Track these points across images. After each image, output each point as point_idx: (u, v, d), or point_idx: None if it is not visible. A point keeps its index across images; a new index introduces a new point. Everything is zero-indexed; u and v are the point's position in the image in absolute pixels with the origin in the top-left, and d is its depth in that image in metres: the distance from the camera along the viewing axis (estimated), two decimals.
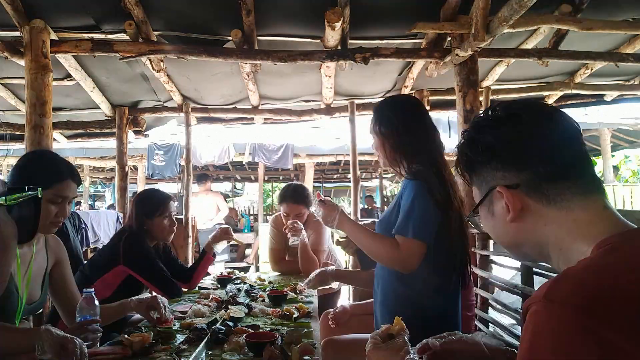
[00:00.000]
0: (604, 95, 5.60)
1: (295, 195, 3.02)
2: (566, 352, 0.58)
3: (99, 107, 5.13)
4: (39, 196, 0.73)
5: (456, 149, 0.93)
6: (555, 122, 0.84)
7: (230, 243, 2.78)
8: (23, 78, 3.44)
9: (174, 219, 2.55)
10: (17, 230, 0.58)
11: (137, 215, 2.45)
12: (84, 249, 4.26)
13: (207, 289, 2.73)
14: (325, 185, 16.38)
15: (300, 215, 2.99)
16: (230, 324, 1.82)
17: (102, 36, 3.58)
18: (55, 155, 1.73)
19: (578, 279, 0.65)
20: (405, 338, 1.06)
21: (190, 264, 4.91)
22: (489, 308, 3.15)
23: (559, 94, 5.46)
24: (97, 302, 1.59)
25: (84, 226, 4.20)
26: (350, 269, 3.67)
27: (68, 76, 4.35)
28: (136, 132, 5.74)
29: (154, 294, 2.18)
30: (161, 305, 1.87)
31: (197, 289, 2.72)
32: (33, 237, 1.58)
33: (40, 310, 1.83)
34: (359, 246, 1.79)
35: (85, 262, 2.96)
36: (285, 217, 3.03)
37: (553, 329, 0.59)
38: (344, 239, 2.25)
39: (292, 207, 2.98)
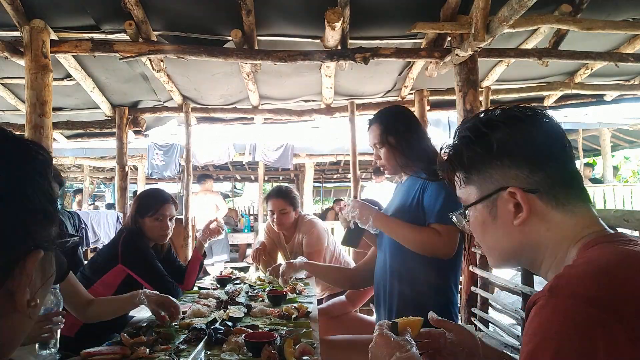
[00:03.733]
0: (604, 95, 5.60)
1: (278, 192, 3.06)
2: (574, 343, 0.59)
3: (99, 107, 5.14)
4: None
5: (454, 145, 0.89)
6: (561, 129, 0.85)
7: (219, 236, 2.78)
8: (23, 78, 3.45)
9: (169, 221, 2.46)
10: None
11: (133, 214, 2.45)
12: (84, 249, 4.27)
13: (207, 289, 2.72)
14: (325, 185, 16.38)
15: (286, 213, 3.00)
16: (230, 324, 1.82)
17: (102, 36, 3.58)
18: None
19: (582, 273, 0.66)
20: (409, 336, 1.04)
21: None
22: (489, 308, 3.15)
23: (559, 94, 5.46)
24: (60, 296, 1.59)
25: (84, 226, 4.21)
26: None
27: (68, 76, 4.35)
28: (136, 132, 5.74)
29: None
30: (172, 306, 1.87)
31: (196, 288, 2.72)
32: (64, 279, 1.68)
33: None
34: (397, 239, 1.83)
35: (86, 262, 2.96)
36: (271, 215, 3.06)
37: (560, 322, 0.61)
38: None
39: (275, 202, 3.00)
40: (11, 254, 0.52)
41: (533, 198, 0.79)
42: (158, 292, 1.95)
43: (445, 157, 0.91)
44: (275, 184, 15.51)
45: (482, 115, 0.87)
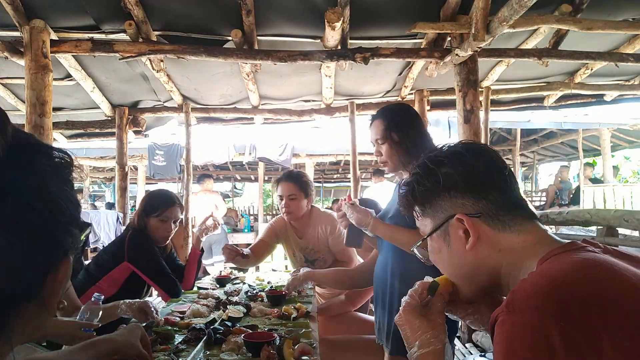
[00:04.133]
0: (604, 95, 5.60)
1: (288, 175, 2.88)
2: (536, 354, 0.62)
3: (99, 107, 5.14)
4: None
5: (408, 182, 0.97)
6: (500, 157, 0.93)
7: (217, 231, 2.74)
8: (23, 78, 3.45)
9: (173, 224, 2.48)
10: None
11: (140, 212, 2.46)
12: (84, 249, 4.27)
13: (206, 289, 2.72)
14: (325, 185, 16.38)
15: (294, 200, 2.80)
16: (229, 324, 1.82)
17: (102, 36, 3.58)
18: None
19: (532, 285, 0.70)
20: (443, 305, 0.95)
21: None
22: None
23: (559, 94, 5.46)
24: (100, 310, 1.60)
25: None
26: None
27: (68, 76, 4.35)
28: (136, 132, 5.74)
29: (146, 299, 2.18)
30: (152, 309, 1.86)
31: (196, 288, 2.72)
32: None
33: None
34: (396, 244, 1.83)
35: (89, 260, 2.97)
36: (279, 201, 2.88)
37: (519, 335, 0.64)
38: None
39: (284, 186, 2.81)
40: (45, 266, 0.53)
41: (479, 222, 0.86)
42: (146, 300, 1.94)
43: (402, 194, 0.99)
44: None
45: (430, 153, 0.96)
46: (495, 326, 0.69)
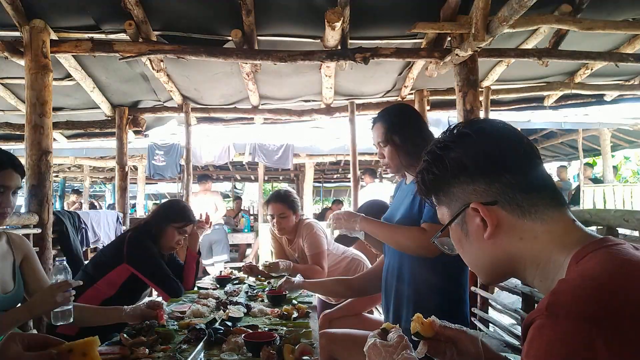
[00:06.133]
0: (604, 95, 5.60)
1: (277, 196, 3.08)
2: None
3: (99, 107, 5.14)
4: None
5: (419, 170, 0.92)
6: (515, 134, 0.86)
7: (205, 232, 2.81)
8: (23, 78, 3.45)
9: (183, 239, 2.53)
10: None
11: (161, 216, 2.47)
12: (84, 249, 4.27)
13: (206, 289, 2.72)
14: (325, 185, 16.38)
15: (285, 217, 3.01)
16: (229, 324, 1.82)
17: (102, 36, 3.58)
18: None
19: (574, 288, 0.65)
20: (400, 332, 1.03)
21: None
22: (489, 308, 3.15)
23: (559, 94, 5.46)
24: (68, 269, 1.61)
25: (84, 226, 4.21)
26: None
27: (68, 76, 4.35)
28: (136, 132, 5.74)
29: (152, 298, 2.17)
30: (157, 307, 1.86)
31: (196, 288, 2.72)
32: None
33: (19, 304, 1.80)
34: (384, 241, 1.85)
35: (87, 261, 2.96)
36: (271, 219, 3.08)
37: (561, 343, 0.59)
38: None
39: (274, 207, 3.02)
40: None
41: (495, 210, 0.80)
42: (140, 306, 1.91)
43: (417, 183, 0.95)
44: (275, 184, 15.52)
45: (439, 138, 0.91)
46: (531, 329, 0.64)
